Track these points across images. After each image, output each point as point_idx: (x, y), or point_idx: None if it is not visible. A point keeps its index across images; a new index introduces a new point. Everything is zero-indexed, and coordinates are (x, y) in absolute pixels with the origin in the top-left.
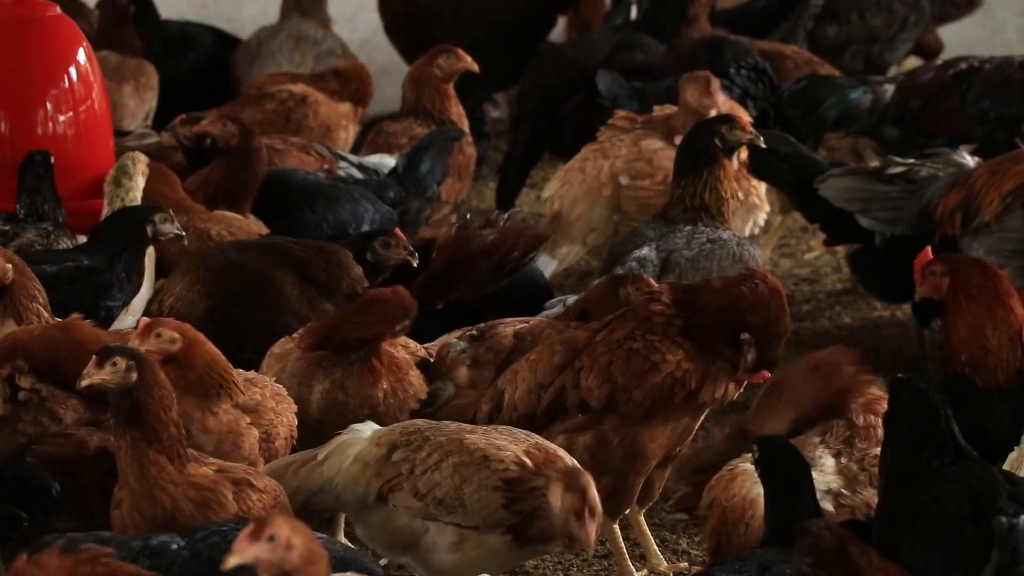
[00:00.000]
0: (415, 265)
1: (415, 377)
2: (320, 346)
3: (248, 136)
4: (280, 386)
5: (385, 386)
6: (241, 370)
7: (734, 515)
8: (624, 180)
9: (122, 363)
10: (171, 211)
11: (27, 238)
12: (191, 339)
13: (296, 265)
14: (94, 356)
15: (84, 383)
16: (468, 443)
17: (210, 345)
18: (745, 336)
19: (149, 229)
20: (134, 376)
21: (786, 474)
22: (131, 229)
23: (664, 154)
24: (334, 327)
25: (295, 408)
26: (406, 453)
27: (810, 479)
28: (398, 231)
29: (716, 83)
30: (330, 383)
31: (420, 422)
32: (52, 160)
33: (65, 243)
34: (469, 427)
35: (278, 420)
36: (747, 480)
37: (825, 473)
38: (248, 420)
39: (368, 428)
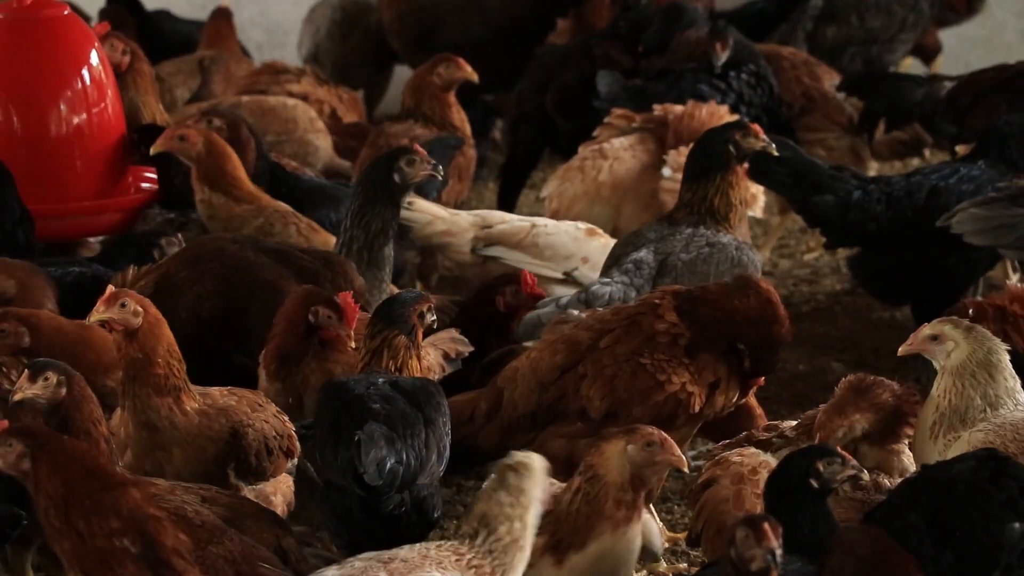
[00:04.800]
0: (440, 178)
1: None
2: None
3: (235, 127)
4: (264, 398)
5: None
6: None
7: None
8: (667, 172)
9: (53, 378)
10: (179, 236)
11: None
12: (154, 317)
13: (305, 276)
14: (26, 370)
15: (16, 398)
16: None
17: (169, 330)
18: (740, 347)
19: (156, 253)
20: (63, 391)
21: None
22: (138, 251)
23: None
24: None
25: (273, 419)
26: None
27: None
28: (418, 146)
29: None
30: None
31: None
32: None
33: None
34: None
35: (248, 421)
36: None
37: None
38: (221, 421)
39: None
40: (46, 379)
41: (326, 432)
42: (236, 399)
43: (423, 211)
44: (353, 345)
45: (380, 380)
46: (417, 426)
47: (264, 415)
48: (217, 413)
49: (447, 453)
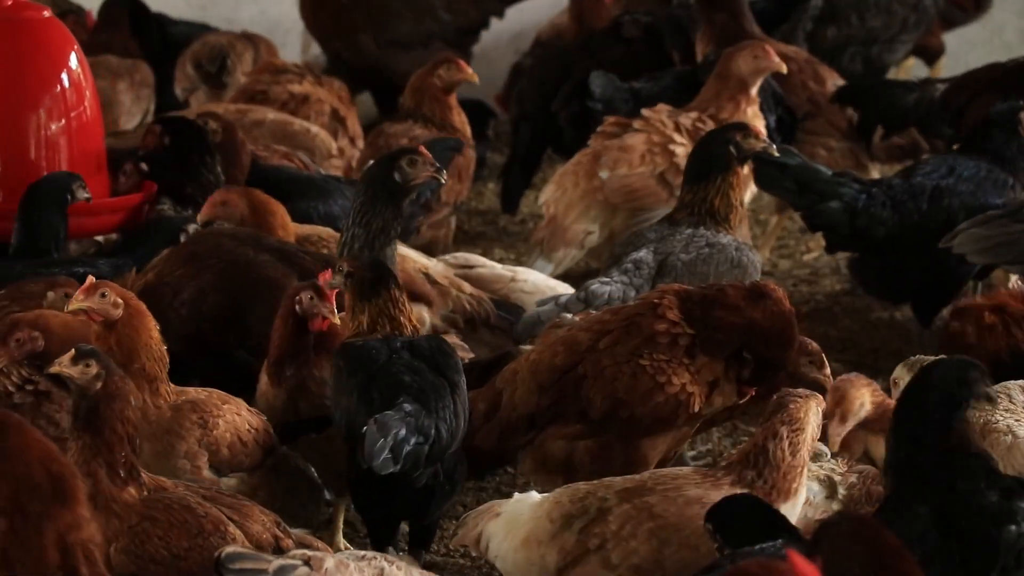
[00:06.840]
0: (443, 182)
1: None
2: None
3: (230, 130)
4: (237, 399)
5: None
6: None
7: None
8: (604, 174)
9: (94, 368)
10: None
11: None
12: (135, 309)
13: (307, 277)
14: (73, 349)
15: (52, 370)
16: (657, 509)
17: (152, 322)
18: (746, 355)
19: (183, 238)
20: (99, 384)
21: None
22: (164, 236)
23: (637, 136)
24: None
25: (244, 412)
26: (585, 523)
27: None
28: (423, 148)
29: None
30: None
31: (582, 486)
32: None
33: None
34: (637, 483)
35: (218, 412)
36: None
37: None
38: (192, 418)
39: (530, 498)
40: (87, 365)
41: (356, 404)
42: (206, 394)
43: None
44: (337, 321)
45: (398, 344)
46: (445, 396)
47: (235, 407)
48: (188, 408)
49: (468, 411)
